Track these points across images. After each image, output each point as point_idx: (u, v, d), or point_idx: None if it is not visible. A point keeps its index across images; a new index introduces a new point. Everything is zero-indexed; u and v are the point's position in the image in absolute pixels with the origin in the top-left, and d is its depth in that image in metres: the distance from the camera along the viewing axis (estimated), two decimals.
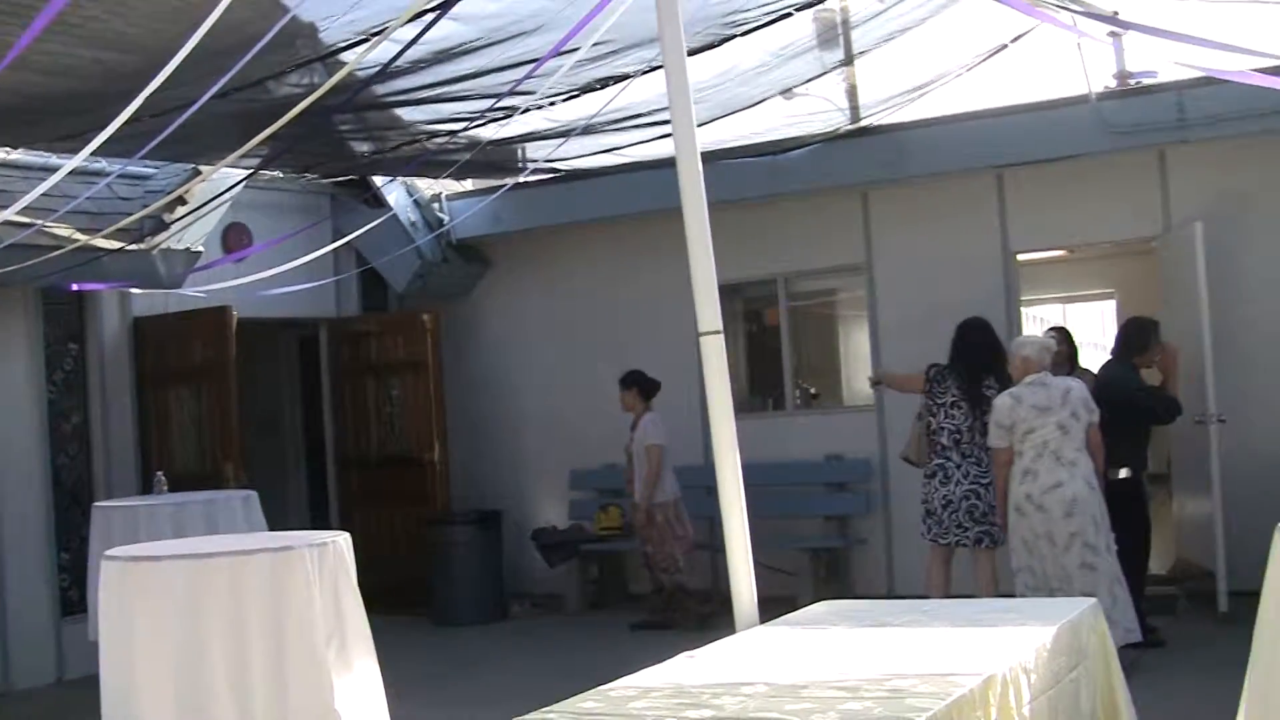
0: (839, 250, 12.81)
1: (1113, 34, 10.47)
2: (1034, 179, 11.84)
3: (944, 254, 12.18)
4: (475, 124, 9.62)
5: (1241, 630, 3.47)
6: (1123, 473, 9.75)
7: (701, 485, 10.38)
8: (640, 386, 11.96)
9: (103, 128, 5.73)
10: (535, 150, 11.34)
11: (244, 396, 12.40)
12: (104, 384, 12.12)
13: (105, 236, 10.10)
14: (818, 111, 11.48)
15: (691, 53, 7.20)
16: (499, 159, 11.50)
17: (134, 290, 11.87)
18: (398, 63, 7.35)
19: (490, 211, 13.24)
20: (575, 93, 9.43)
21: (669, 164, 5.69)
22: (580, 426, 13.69)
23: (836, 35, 10.09)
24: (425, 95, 8.83)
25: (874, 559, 12.53)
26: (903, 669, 4.04)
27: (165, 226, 11.08)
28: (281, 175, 12.94)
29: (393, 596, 12.21)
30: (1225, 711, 3.74)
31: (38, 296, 11.49)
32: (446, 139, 10.09)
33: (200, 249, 11.67)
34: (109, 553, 4.58)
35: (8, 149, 10.06)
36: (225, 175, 10.61)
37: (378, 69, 7.61)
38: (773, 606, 5.70)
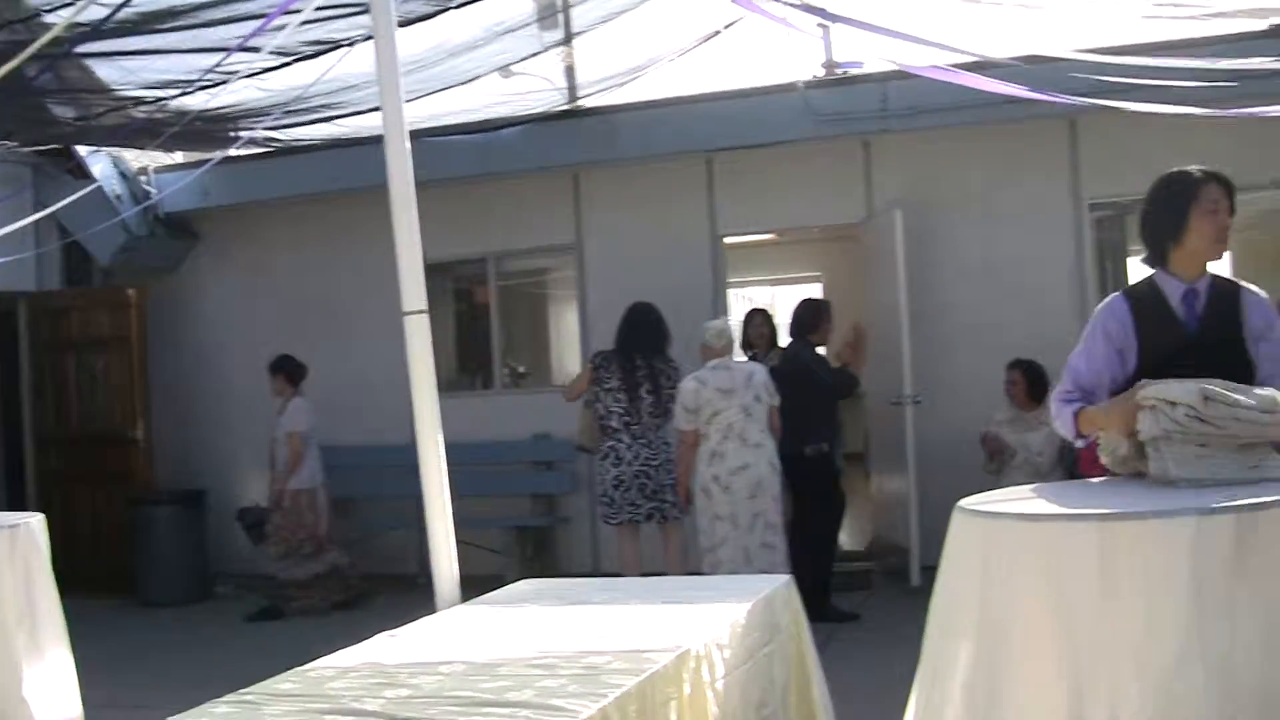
0: (550, 230, 12.85)
1: (821, 25, 10.73)
2: (743, 164, 12.05)
3: (654, 236, 12.34)
4: (184, 92, 9.37)
5: (927, 604, 3.61)
6: (808, 450, 10.10)
7: (407, 464, 10.32)
8: (287, 372, 11.96)
9: None
10: (246, 122, 11.09)
11: None
12: None
13: None
14: (535, 91, 11.49)
15: (404, 23, 7.14)
16: (209, 130, 11.20)
17: None
18: (106, 24, 7.12)
19: (199, 185, 12.89)
20: (289, 61, 9.24)
21: (380, 140, 5.63)
22: None
23: (556, 14, 10.13)
24: (131, 61, 8.58)
25: (579, 537, 12.64)
26: (599, 645, 4.08)
27: None
28: None
29: (95, 577, 11.87)
30: (912, 682, 3.89)
31: None
32: (154, 107, 9.79)
33: None
34: None
35: None
36: None
37: (87, 30, 7.34)
38: (480, 585, 5.71)
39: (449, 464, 5.55)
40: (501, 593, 5.45)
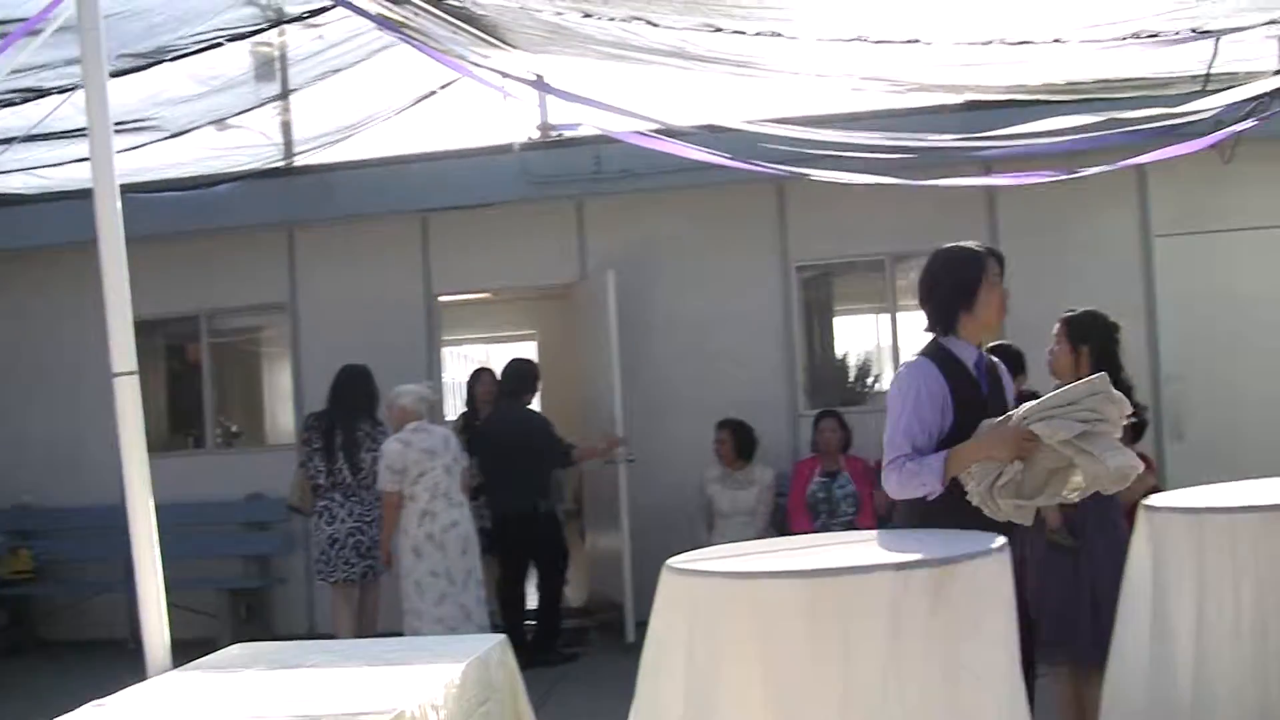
0: (263, 288, 12.69)
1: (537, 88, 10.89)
2: (458, 223, 12.12)
3: (368, 294, 12.28)
4: None
5: None
6: (542, 506, 10.41)
7: (118, 525, 10.08)
8: None
9: None
10: None
11: None
12: None
13: None
14: (250, 146, 11.36)
15: (115, 74, 7.01)
16: None
17: None
18: None
19: None
20: None
21: (87, 194, 5.51)
22: None
23: (274, 69, 10.06)
24: None
25: (294, 599, 12.45)
26: (314, 710, 4.07)
27: None
28: None
29: None
30: None
31: None
32: None
33: None
34: None
35: None
36: None
37: None
38: (192, 649, 5.60)
39: (160, 525, 5.45)
40: (214, 657, 5.36)
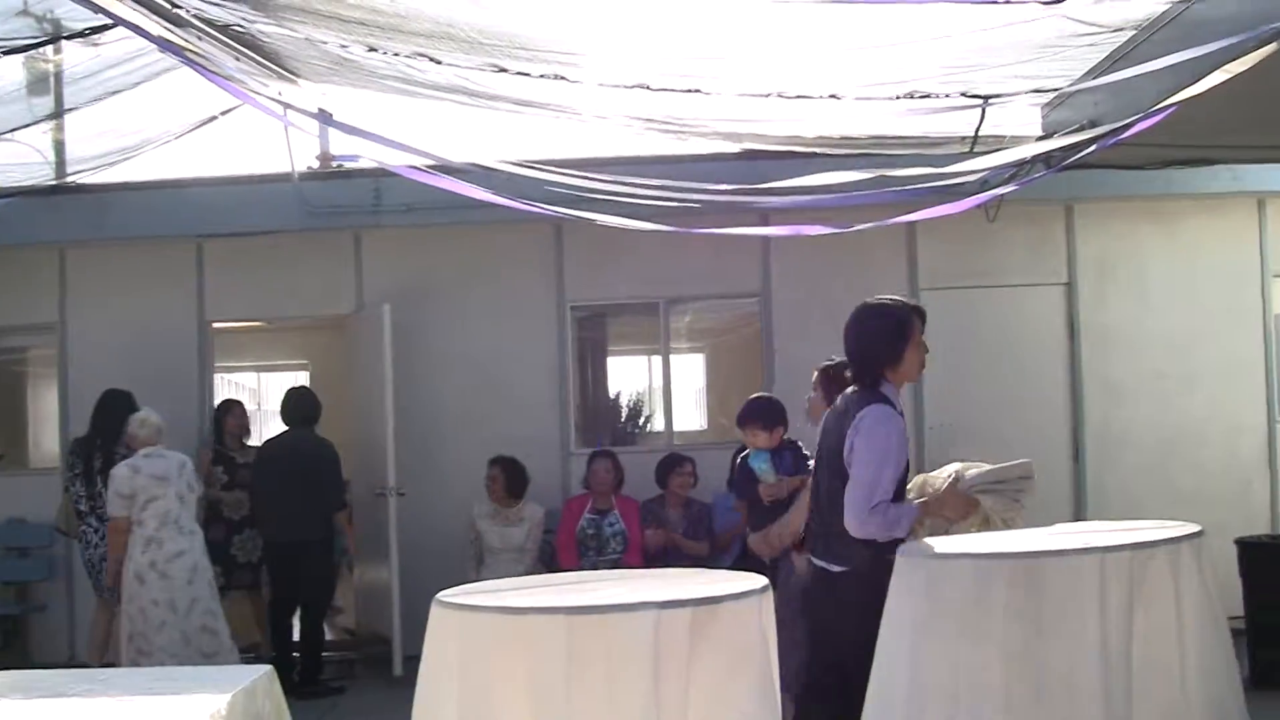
0: (32, 308, 12.31)
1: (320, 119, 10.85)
2: (235, 251, 11.97)
3: (140, 318, 12.03)
4: None
5: (412, 694, 3.71)
6: (319, 535, 10.45)
7: None
8: None
9: None
10: None
11: None
12: None
13: None
14: (22, 163, 11.08)
15: None
16: None
17: None
18: None
19: None
20: None
21: None
22: None
23: (48, 86, 9.87)
24: None
25: (56, 626, 12.08)
26: None
27: None
28: None
29: None
30: None
31: None
32: None
33: None
34: None
35: None
36: None
37: None
38: None
39: None
40: None
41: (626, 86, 8.28)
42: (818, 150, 9.98)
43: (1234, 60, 5.85)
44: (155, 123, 10.69)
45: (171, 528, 9.27)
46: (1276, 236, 12.01)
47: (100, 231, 11.72)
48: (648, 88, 8.25)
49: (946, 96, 8.52)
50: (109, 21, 7.38)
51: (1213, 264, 12.00)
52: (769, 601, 3.70)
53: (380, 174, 11.04)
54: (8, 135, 10.48)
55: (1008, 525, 5.68)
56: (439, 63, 8.04)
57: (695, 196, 8.44)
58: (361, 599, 12.45)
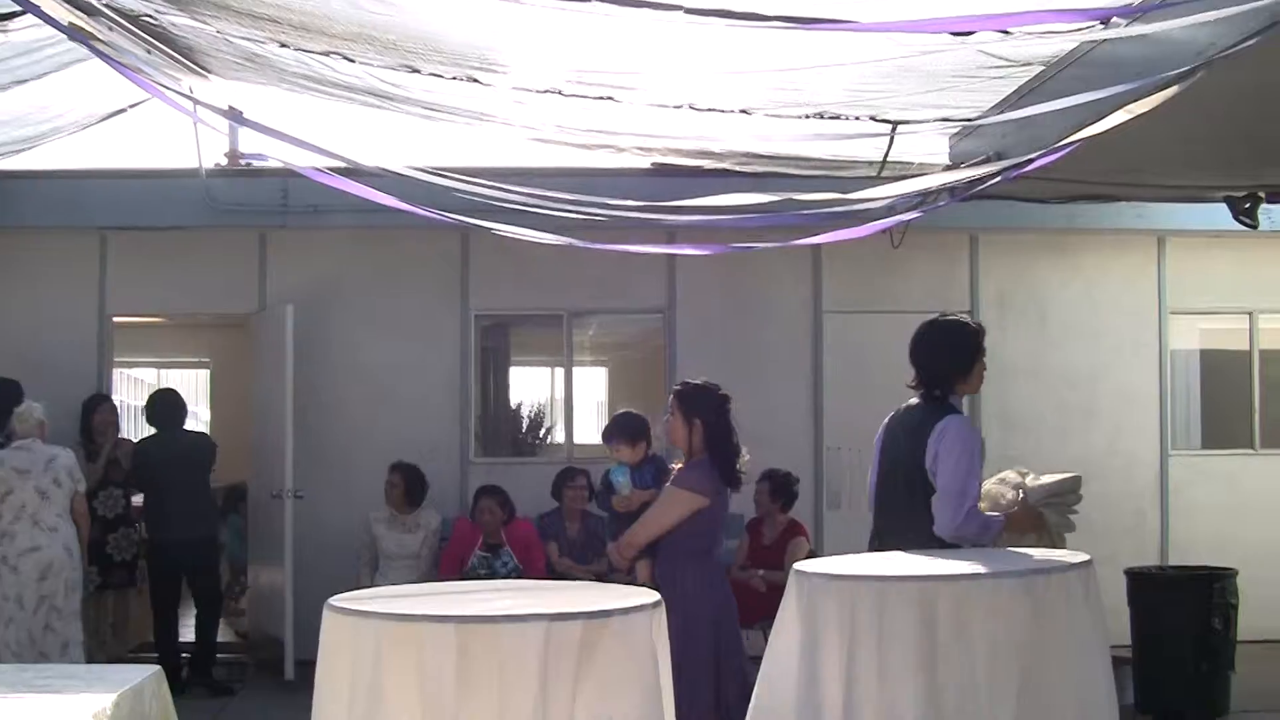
0: None
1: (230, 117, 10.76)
2: (138, 244, 11.84)
3: (39, 310, 11.83)
4: None
5: (304, 698, 3.69)
6: (206, 532, 10.47)
7: None
8: None
9: None
10: None
11: None
12: None
13: None
14: None
15: None
16: None
17: None
18: None
19: None
20: None
21: None
22: None
23: None
24: None
25: None
26: None
27: None
28: None
29: None
30: None
31: None
32: None
33: None
34: None
35: None
36: None
37: None
38: None
39: None
40: None
41: (538, 91, 8.27)
42: (727, 168, 10.01)
43: (1137, 100, 5.96)
44: (62, 113, 10.55)
45: (27, 522, 9.14)
46: (1175, 274, 12.26)
47: (1, 220, 11.53)
48: (560, 93, 8.25)
49: (856, 119, 8.59)
50: (17, 9, 7.27)
51: (1112, 299, 12.23)
52: (661, 617, 3.71)
53: (288, 174, 10.91)
54: None
55: (1062, 539, 5.94)
56: (352, 61, 8.00)
57: (604, 211, 8.44)
58: (255, 602, 12.35)
